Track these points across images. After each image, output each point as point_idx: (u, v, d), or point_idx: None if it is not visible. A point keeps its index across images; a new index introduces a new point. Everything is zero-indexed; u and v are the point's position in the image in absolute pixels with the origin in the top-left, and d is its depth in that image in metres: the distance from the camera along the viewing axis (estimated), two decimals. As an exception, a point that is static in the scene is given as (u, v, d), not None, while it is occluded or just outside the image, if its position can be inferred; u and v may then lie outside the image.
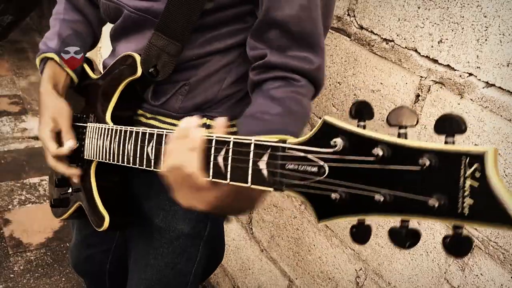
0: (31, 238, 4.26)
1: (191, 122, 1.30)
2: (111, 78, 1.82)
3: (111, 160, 1.68)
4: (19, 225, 4.36)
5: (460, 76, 1.87)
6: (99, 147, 1.75)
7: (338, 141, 0.96)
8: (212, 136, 1.23)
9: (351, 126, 0.96)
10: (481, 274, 1.89)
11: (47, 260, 4.07)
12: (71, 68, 1.97)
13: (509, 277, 1.80)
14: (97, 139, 1.76)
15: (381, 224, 2.25)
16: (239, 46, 1.73)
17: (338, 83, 2.43)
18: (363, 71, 2.29)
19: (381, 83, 2.19)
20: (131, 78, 1.73)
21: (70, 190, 2.00)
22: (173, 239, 1.93)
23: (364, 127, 0.96)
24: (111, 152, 1.67)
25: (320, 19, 1.58)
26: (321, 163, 1.00)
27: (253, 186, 1.15)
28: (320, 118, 2.56)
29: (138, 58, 1.72)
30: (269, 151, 1.10)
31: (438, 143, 0.85)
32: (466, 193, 0.81)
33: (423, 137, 2.02)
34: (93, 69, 2.02)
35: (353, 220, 0.96)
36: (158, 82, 1.75)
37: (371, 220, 0.95)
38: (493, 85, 1.76)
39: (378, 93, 2.21)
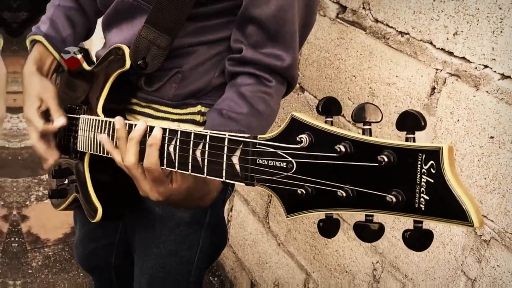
0: (49, 233, 4.28)
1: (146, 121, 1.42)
2: (101, 70, 1.82)
3: (103, 153, 1.67)
4: (36, 221, 4.38)
5: (476, 68, 1.86)
6: (91, 139, 1.74)
7: (304, 137, 0.99)
8: (191, 130, 1.27)
9: (318, 122, 0.99)
10: (497, 265, 1.88)
11: (64, 256, 4.10)
12: (71, 68, 1.97)
13: (526, 269, 1.80)
14: (89, 131, 1.75)
15: (397, 217, 2.26)
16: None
17: (354, 76, 2.43)
18: (378, 64, 2.29)
19: (397, 76, 2.19)
20: (120, 71, 1.73)
21: (66, 181, 2.01)
22: (174, 227, 1.94)
23: (331, 123, 0.99)
24: (102, 144, 1.67)
25: (296, 18, 1.67)
26: (289, 158, 1.03)
27: (226, 180, 1.19)
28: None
29: (127, 50, 1.72)
30: (241, 146, 1.14)
31: (397, 139, 0.87)
32: (422, 189, 0.83)
33: (438, 130, 2.02)
34: (89, 59, 2.01)
35: (320, 214, 0.99)
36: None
37: (338, 214, 0.97)
38: (509, 77, 1.76)
39: (394, 86, 2.21)
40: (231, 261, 3.92)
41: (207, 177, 1.26)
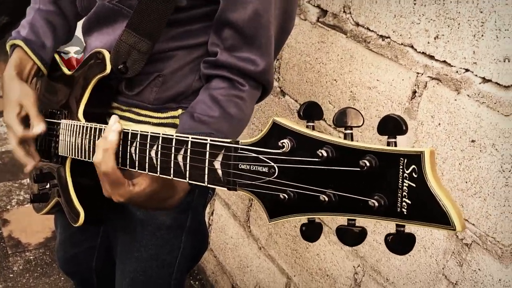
0: (30, 238, 4.26)
1: (111, 123, 1.45)
2: (82, 75, 1.82)
3: (84, 157, 1.68)
4: (17, 225, 4.36)
5: (457, 72, 1.87)
6: (72, 144, 1.74)
7: (286, 142, 0.99)
8: (172, 136, 1.28)
9: (299, 127, 0.99)
10: (479, 269, 1.89)
11: (46, 260, 4.08)
12: (71, 68, 1.97)
13: (507, 272, 1.80)
14: (70, 136, 1.75)
15: (378, 220, 2.26)
16: None
17: (335, 80, 2.43)
18: (359, 68, 2.29)
19: (378, 80, 2.19)
20: (100, 75, 1.72)
21: (48, 186, 2.00)
22: (155, 230, 1.94)
23: (313, 127, 0.99)
24: (83, 149, 1.67)
25: (273, 23, 1.67)
26: (271, 163, 1.03)
27: (208, 185, 1.19)
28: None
29: (107, 55, 1.71)
30: (223, 151, 1.14)
31: (378, 144, 0.87)
32: (404, 194, 0.83)
33: (419, 133, 2.02)
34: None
35: (302, 219, 0.99)
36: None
37: (319, 218, 0.97)
38: (490, 80, 1.76)
39: (375, 90, 2.21)
40: (212, 265, 3.91)
41: (174, 179, 1.27)
